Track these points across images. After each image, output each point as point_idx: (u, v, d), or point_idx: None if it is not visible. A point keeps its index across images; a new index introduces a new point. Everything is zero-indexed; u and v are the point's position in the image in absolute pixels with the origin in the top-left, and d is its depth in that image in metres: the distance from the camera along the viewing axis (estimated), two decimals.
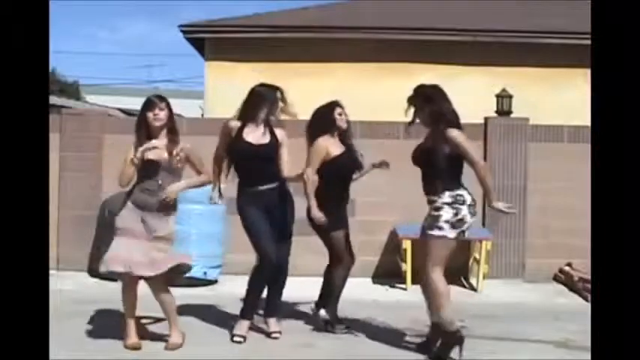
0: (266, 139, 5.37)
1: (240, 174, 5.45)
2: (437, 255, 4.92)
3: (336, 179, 5.55)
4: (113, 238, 5.09)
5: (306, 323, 5.83)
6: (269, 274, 5.35)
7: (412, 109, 5.15)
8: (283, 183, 5.46)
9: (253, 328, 5.48)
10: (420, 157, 5.11)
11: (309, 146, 5.62)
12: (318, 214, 5.41)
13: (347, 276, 5.67)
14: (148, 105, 5.08)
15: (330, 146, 5.56)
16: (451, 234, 4.90)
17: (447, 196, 4.91)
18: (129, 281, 5.08)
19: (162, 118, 5.06)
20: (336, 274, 5.62)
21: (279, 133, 5.45)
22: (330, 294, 5.63)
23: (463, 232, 4.96)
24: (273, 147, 5.38)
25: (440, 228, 4.88)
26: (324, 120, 5.64)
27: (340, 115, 5.64)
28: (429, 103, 5.03)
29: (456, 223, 4.89)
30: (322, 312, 5.59)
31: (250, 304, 5.41)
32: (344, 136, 5.69)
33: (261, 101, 5.40)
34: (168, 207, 5.06)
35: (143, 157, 4.99)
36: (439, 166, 4.92)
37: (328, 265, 5.69)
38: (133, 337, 5.08)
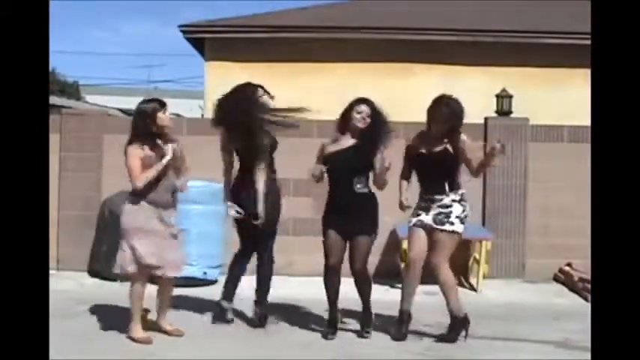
0: None
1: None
2: (449, 248, 5.26)
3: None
4: (131, 238, 5.07)
5: (305, 323, 5.83)
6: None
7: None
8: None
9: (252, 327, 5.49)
10: (428, 159, 5.30)
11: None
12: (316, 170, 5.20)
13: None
14: (159, 106, 5.14)
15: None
16: (460, 229, 5.27)
17: (454, 194, 5.26)
18: (142, 278, 5.17)
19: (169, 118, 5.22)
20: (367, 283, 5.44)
21: None
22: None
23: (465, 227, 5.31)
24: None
25: (452, 223, 5.24)
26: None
27: (359, 114, 5.23)
28: (454, 118, 5.23)
29: (464, 219, 5.28)
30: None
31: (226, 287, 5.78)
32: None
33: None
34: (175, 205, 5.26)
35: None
36: (450, 168, 5.26)
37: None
38: (141, 332, 5.19)
